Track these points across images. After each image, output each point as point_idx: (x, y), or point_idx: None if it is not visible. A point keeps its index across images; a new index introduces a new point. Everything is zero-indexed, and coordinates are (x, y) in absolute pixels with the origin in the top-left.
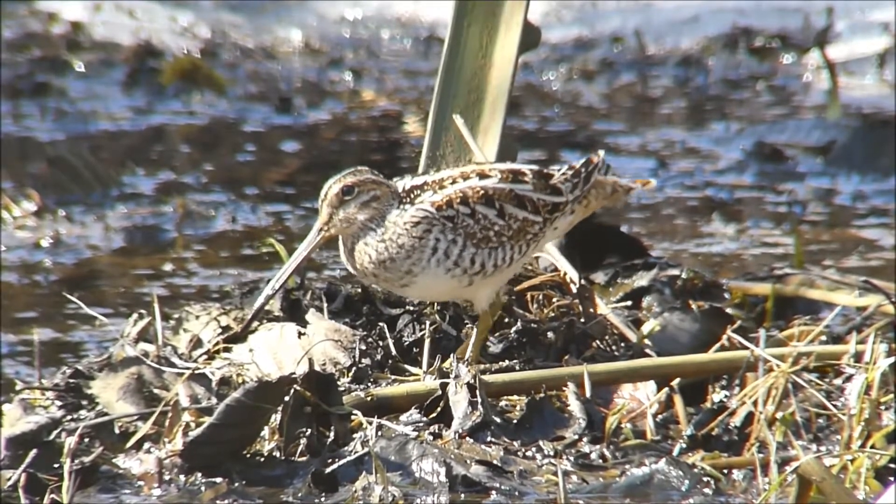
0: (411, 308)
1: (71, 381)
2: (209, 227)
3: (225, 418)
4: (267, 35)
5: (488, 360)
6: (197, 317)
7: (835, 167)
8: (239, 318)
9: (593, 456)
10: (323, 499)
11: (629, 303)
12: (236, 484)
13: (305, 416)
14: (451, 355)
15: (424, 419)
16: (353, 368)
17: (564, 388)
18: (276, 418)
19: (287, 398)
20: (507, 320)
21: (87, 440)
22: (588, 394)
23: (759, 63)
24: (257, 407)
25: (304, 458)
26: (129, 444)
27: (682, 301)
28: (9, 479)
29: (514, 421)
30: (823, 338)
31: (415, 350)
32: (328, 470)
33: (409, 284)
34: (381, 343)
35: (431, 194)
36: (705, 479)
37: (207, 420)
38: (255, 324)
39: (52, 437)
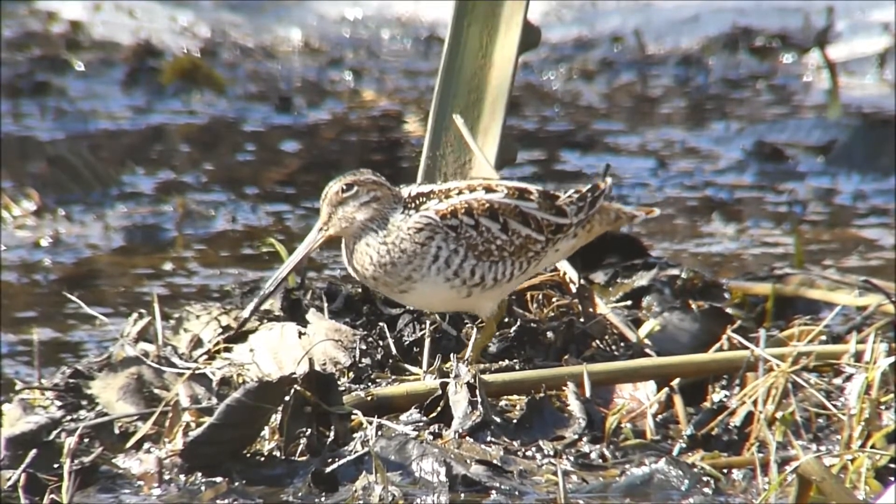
0: (411, 308)
1: (71, 381)
2: (209, 226)
3: (225, 418)
4: (267, 34)
5: (488, 360)
6: (197, 316)
7: (835, 167)
8: (239, 317)
9: (593, 456)
10: (323, 498)
11: (629, 302)
12: (236, 484)
13: (305, 415)
14: (452, 355)
15: (424, 419)
16: (354, 368)
17: (564, 388)
18: (276, 418)
19: (287, 398)
20: (506, 320)
21: (86, 440)
22: (588, 393)
23: (760, 63)
24: (257, 407)
25: (304, 458)
26: (129, 444)
27: (681, 301)
28: (9, 479)
29: (514, 421)
30: (823, 337)
31: (415, 350)
32: (328, 469)
33: (407, 290)
34: (381, 343)
35: (437, 202)
36: (705, 478)
37: (208, 420)
38: (256, 323)
39: (51, 437)
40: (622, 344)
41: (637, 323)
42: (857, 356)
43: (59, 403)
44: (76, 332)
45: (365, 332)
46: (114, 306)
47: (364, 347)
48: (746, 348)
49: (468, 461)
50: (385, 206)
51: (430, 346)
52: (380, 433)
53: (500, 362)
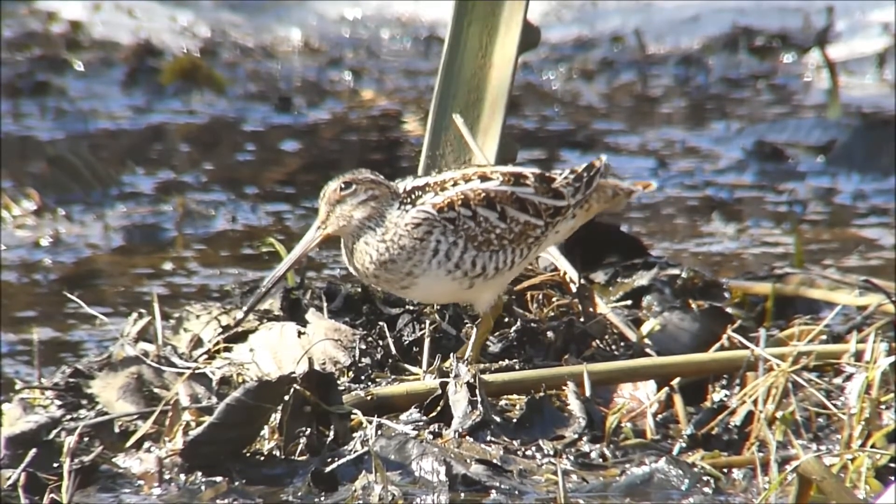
0: (411, 307)
1: (71, 380)
2: (209, 226)
3: (225, 418)
4: (267, 34)
5: (488, 360)
6: (197, 316)
7: (835, 166)
8: (239, 317)
9: (593, 455)
10: (323, 498)
11: (629, 302)
12: (236, 483)
13: (305, 415)
14: (451, 355)
15: (424, 418)
16: (353, 368)
17: (564, 388)
18: (275, 417)
19: (287, 397)
20: (506, 319)
21: (86, 439)
22: (588, 393)
23: (760, 62)
24: (257, 406)
25: (303, 458)
26: (129, 444)
27: (682, 300)
28: (8, 478)
29: (514, 420)
30: (823, 337)
31: (415, 349)
32: (328, 469)
33: (409, 286)
34: (380, 342)
35: (433, 196)
36: (705, 478)
37: (207, 419)
38: (255, 323)
39: (51, 436)
40: (622, 343)
41: (637, 322)
42: (858, 356)
43: (59, 403)
44: (76, 331)
45: (364, 332)
46: (114, 306)
47: (364, 347)
48: (746, 348)
49: (468, 460)
50: (383, 204)
51: (430, 346)
52: (379, 433)
53: (500, 362)
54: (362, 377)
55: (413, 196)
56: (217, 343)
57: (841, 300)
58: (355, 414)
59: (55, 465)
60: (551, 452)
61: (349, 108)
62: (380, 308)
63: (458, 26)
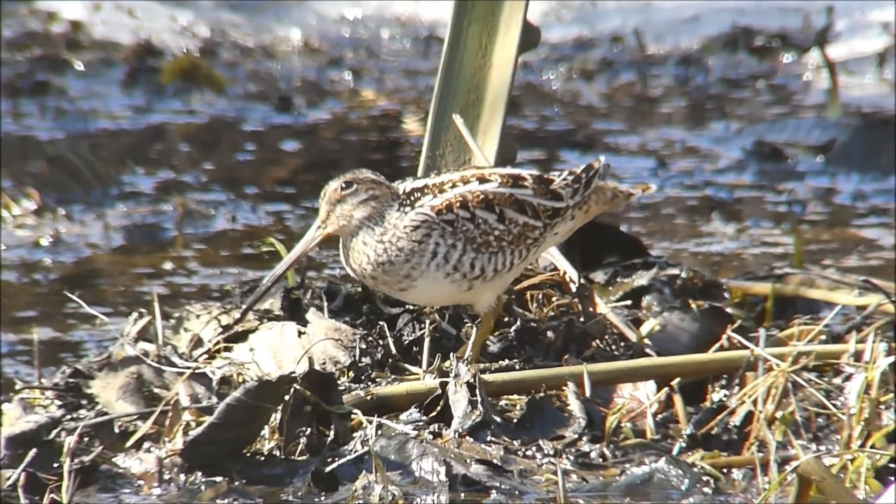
0: (411, 307)
1: (71, 380)
2: (209, 226)
3: (225, 417)
4: (266, 34)
5: (488, 360)
6: (197, 316)
7: (835, 166)
8: (238, 316)
9: (593, 455)
10: (323, 498)
11: (629, 302)
12: (236, 483)
13: (305, 415)
14: (451, 354)
15: (424, 418)
16: (353, 367)
17: (564, 388)
18: (276, 417)
19: (287, 397)
20: (506, 319)
21: (86, 439)
22: (588, 393)
23: (759, 62)
24: (257, 406)
25: (304, 457)
26: (129, 444)
27: (681, 300)
28: (8, 478)
29: (514, 420)
30: (823, 337)
31: (415, 349)
32: (328, 469)
33: (407, 288)
34: (381, 342)
35: (431, 198)
36: (705, 478)
37: (208, 419)
38: (255, 323)
39: (51, 436)
40: (622, 343)
41: (637, 322)
42: (857, 356)
43: (58, 403)
44: (76, 331)
45: (365, 332)
46: (114, 306)
47: (364, 347)
48: (746, 348)
49: (468, 460)
50: (383, 204)
51: (430, 346)
52: (380, 432)
53: (500, 362)
54: (362, 377)
55: (412, 198)
56: (217, 343)
57: (840, 300)
58: (355, 414)
59: (55, 465)
60: (551, 452)
61: (349, 108)
62: (380, 308)
63: (457, 26)
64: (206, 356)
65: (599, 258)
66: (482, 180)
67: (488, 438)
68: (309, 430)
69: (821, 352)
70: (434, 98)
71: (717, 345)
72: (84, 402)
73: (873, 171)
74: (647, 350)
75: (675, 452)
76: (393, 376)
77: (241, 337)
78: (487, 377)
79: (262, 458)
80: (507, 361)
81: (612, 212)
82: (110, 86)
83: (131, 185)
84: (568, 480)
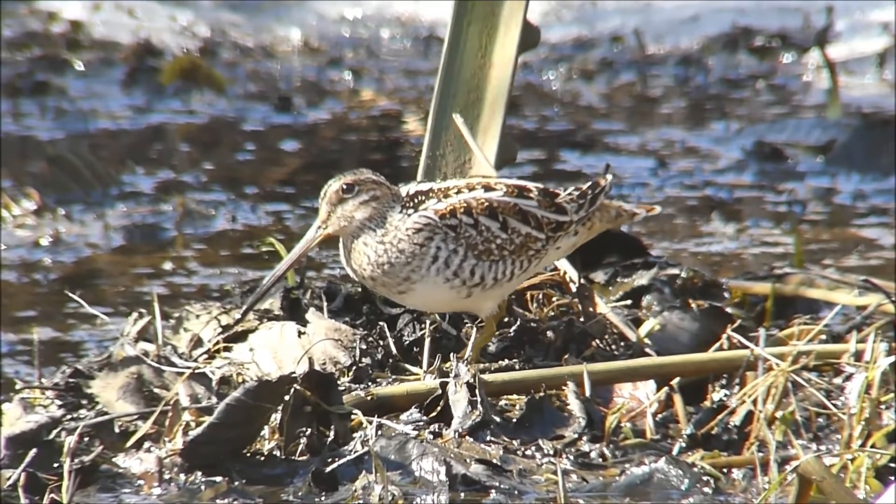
0: (411, 308)
1: (71, 380)
2: (209, 225)
3: (225, 417)
4: (266, 34)
5: (488, 360)
6: (197, 316)
7: (835, 166)
8: (238, 316)
9: (593, 455)
10: (323, 498)
11: (629, 302)
12: (236, 483)
13: (305, 415)
14: (451, 355)
15: (424, 418)
16: (354, 368)
17: (564, 388)
18: (276, 417)
19: (287, 397)
20: (506, 319)
21: (86, 439)
22: (588, 393)
23: (759, 62)
24: (257, 406)
25: (304, 458)
26: (129, 444)
27: (681, 300)
28: (9, 478)
29: (514, 420)
30: (823, 337)
31: (415, 349)
32: (328, 469)
33: (406, 291)
34: (381, 342)
35: (435, 202)
36: (705, 478)
37: (207, 419)
38: (255, 323)
39: (51, 436)
40: (622, 343)
41: (637, 322)
42: (857, 355)
43: (59, 403)
44: (76, 331)
45: (365, 332)
46: (114, 306)
47: (364, 347)
48: (746, 347)
49: (468, 460)
50: (384, 205)
51: (430, 346)
52: (380, 433)
53: (500, 362)
54: (362, 377)
55: (416, 201)
56: (217, 343)
57: (840, 300)
58: (355, 414)
59: (55, 465)
60: (551, 452)
61: (349, 108)
62: (380, 308)
63: (457, 26)
64: (205, 356)
65: (599, 258)
66: (487, 188)
67: (488, 438)
68: (309, 430)
69: (821, 351)
70: (434, 98)
71: (717, 344)
72: (84, 402)
73: (873, 171)
74: (647, 350)
75: (675, 452)
76: (393, 376)
77: (241, 337)
78: (487, 377)
79: (262, 458)
80: (506, 361)
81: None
82: (110, 86)
83: (131, 185)
84: (568, 480)
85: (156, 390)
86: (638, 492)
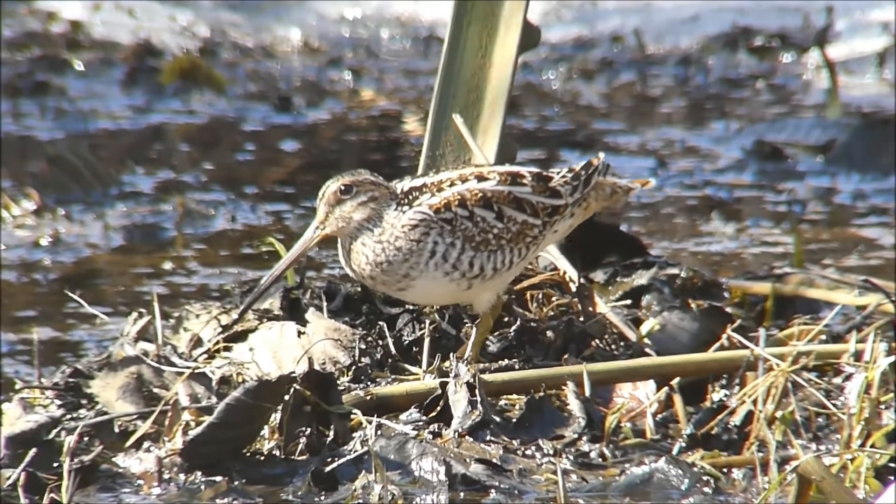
0: (411, 307)
1: (70, 380)
2: (209, 225)
3: (225, 417)
4: (266, 34)
5: (487, 359)
6: (197, 316)
7: (835, 166)
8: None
9: (593, 455)
10: (323, 497)
11: (628, 302)
12: (236, 483)
13: (305, 415)
14: (451, 354)
15: (424, 418)
16: (353, 367)
17: (564, 387)
18: (275, 417)
19: (287, 397)
20: (506, 319)
21: (86, 439)
22: (587, 393)
23: (759, 62)
24: (257, 406)
25: (303, 457)
26: (128, 443)
27: (681, 300)
28: (8, 478)
29: (514, 420)
30: (823, 337)
31: (414, 349)
32: (328, 469)
33: (406, 288)
34: (380, 342)
35: (429, 197)
36: (705, 477)
37: (207, 419)
38: (255, 322)
39: (51, 436)
40: (622, 343)
41: (637, 322)
42: (857, 355)
43: (58, 402)
44: (76, 331)
45: (364, 332)
46: (113, 305)
47: (363, 347)
48: (746, 347)
49: (467, 460)
50: (382, 205)
51: (430, 346)
52: (379, 432)
53: (500, 361)
54: (362, 377)
55: (410, 197)
56: (217, 342)
57: (840, 300)
58: (355, 414)
59: (55, 464)
60: (551, 452)
61: (349, 108)
62: (379, 308)
63: (457, 26)
64: (205, 356)
65: (599, 258)
66: (480, 178)
67: (488, 438)
68: (309, 430)
69: (821, 351)
70: (434, 98)
71: (717, 344)
72: (84, 401)
73: (873, 171)
74: (647, 350)
75: (674, 452)
76: (393, 376)
77: (241, 337)
78: (487, 377)
79: (262, 458)
80: (506, 361)
81: (612, 210)
82: (110, 86)
83: (131, 185)
84: (567, 480)
85: (155, 390)
86: (638, 492)
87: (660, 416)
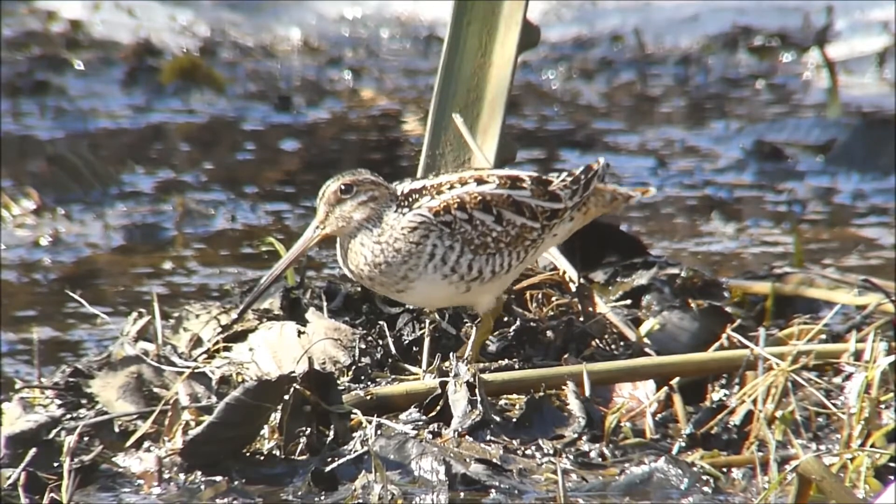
0: (411, 307)
1: (70, 379)
2: (209, 225)
3: (225, 417)
4: (266, 33)
5: (487, 359)
6: (197, 315)
7: (834, 166)
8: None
9: (593, 454)
10: (323, 497)
11: (628, 301)
12: (236, 482)
13: (305, 414)
14: (451, 354)
15: (424, 418)
16: (353, 367)
17: (564, 387)
18: (275, 417)
19: (287, 397)
20: (506, 319)
21: (86, 439)
22: (587, 392)
23: (759, 62)
24: (257, 406)
25: (303, 457)
26: (128, 443)
27: (681, 300)
28: (8, 477)
29: (514, 419)
30: (823, 336)
31: (414, 349)
32: (328, 468)
33: (405, 290)
34: (380, 342)
35: (429, 199)
36: (704, 477)
37: (207, 419)
38: (255, 322)
39: (51, 435)
40: (622, 343)
41: (637, 322)
42: (857, 355)
43: (58, 402)
44: (76, 330)
45: (364, 331)
46: (113, 305)
47: (363, 346)
48: (746, 347)
49: (467, 460)
50: (382, 205)
51: (430, 346)
52: (379, 432)
53: (500, 361)
54: (362, 377)
55: (410, 199)
56: (217, 342)
57: (840, 299)
58: (355, 413)
59: (55, 464)
60: (551, 452)
61: (349, 108)
62: (379, 307)
63: (457, 26)
64: (205, 356)
65: (599, 258)
66: (480, 182)
67: (488, 438)
68: (309, 429)
69: (821, 351)
70: (434, 98)
71: (717, 344)
72: (84, 401)
73: (873, 171)
74: (647, 349)
75: (674, 452)
76: (393, 376)
77: (241, 336)
78: (487, 377)
79: (262, 458)
80: (506, 361)
81: (611, 213)
82: (110, 85)
83: (131, 184)
84: (567, 480)
85: (155, 390)
86: (637, 491)
87: (659, 415)
